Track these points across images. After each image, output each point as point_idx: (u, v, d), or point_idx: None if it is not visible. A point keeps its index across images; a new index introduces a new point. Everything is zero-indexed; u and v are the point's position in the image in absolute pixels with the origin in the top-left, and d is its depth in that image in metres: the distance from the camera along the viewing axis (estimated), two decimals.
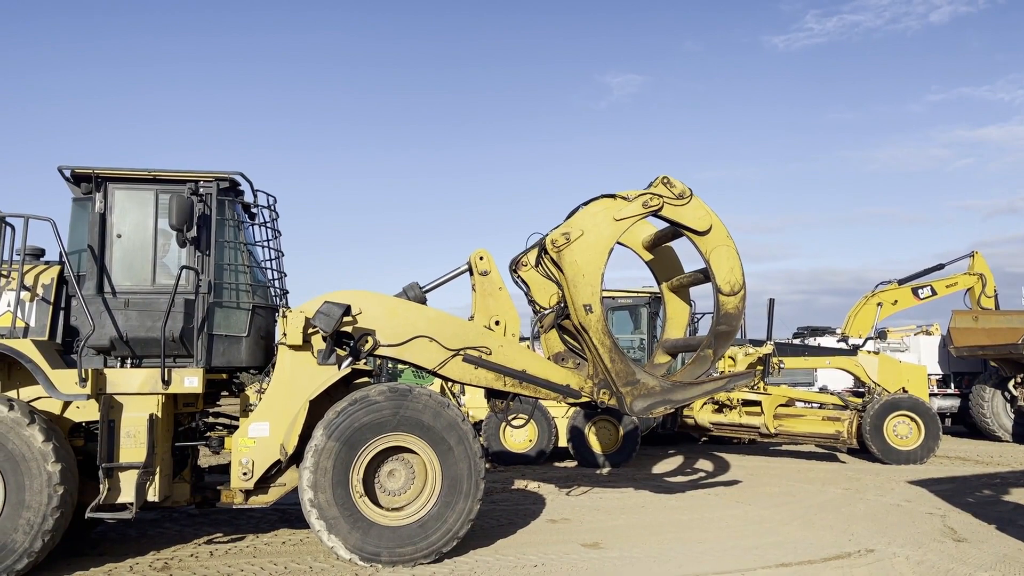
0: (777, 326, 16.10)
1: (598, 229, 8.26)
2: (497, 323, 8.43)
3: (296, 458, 7.47)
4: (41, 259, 7.76)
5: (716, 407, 15.74)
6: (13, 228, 7.44)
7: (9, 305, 7.22)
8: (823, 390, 18.45)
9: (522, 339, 8.76)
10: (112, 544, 8.23)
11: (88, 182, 7.52)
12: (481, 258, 8.56)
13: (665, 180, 8.30)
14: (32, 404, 7.03)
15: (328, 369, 7.68)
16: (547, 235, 8.39)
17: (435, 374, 8.13)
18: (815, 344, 20.48)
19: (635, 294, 16.43)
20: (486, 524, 9.06)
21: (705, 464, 14.91)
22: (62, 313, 7.47)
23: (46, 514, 6.62)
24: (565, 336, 8.76)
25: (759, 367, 15.17)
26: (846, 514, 9.66)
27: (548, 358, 8.72)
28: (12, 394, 7.16)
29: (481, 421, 14.81)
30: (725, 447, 17.61)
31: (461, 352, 8.03)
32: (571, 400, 8.56)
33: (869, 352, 16.88)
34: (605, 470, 14.06)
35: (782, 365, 15.29)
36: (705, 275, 8.72)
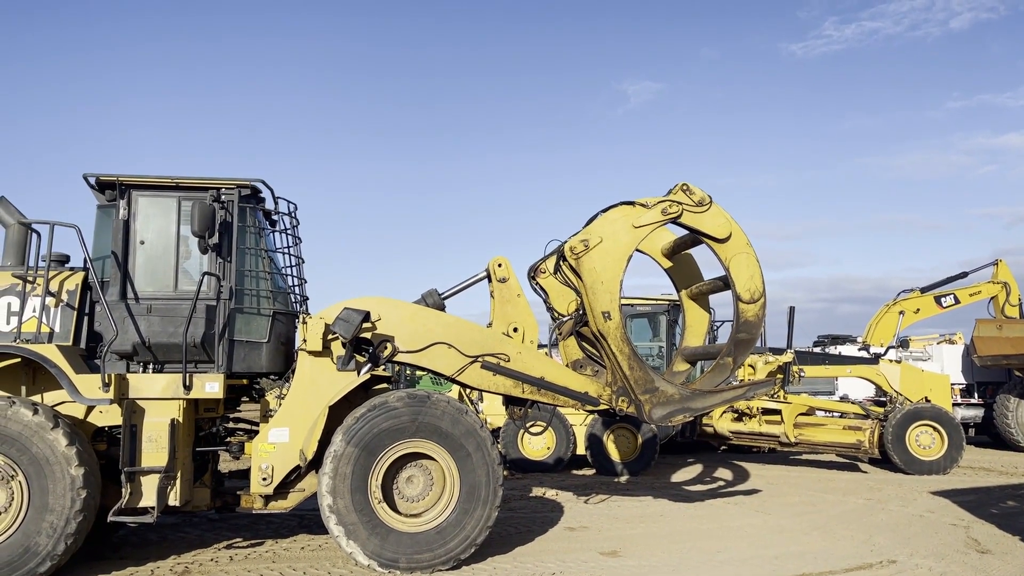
0: (797, 334, 16.03)
1: (617, 236, 8.25)
2: (515, 330, 8.43)
3: (315, 464, 7.51)
4: (66, 265, 7.87)
5: (736, 416, 15.64)
6: (39, 235, 7.55)
7: (34, 311, 7.33)
8: (844, 399, 18.26)
9: (540, 346, 8.74)
10: (133, 548, 8.30)
11: (112, 189, 7.61)
12: (500, 265, 8.57)
13: (684, 187, 8.27)
14: (56, 408, 7.12)
15: (347, 375, 7.71)
16: (566, 242, 8.39)
17: (453, 380, 8.15)
18: (836, 353, 20.32)
19: (654, 302, 16.37)
20: (504, 531, 9.05)
21: (724, 473, 14.81)
22: (86, 319, 7.57)
23: (69, 517, 6.69)
24: (584, 343, 8.74)
25: (779, 375, 15.05)
26: (867, 524, 9.56)
27: (566, 365, 8.70)
28: (36, 398, 7.25)
29: (499, 428, 14.82)
30: (744, 456, 17.48)
31: (479, 359, 8.03)
32: (590, 408, 8.54)
33: (891, 361, 16.73)
34: (623, 478, 14.00)
35: (802, 373, 15.16)
36: (725, 283, 8.68)
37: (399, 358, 7.98)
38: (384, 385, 8.32)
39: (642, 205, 8.31)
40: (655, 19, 75.53)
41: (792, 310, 16.30)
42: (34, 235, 7.61)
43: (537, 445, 14.74)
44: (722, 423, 15.75)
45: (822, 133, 78.80)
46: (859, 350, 19.72)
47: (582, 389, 8.33)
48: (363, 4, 72.85)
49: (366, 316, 7.61)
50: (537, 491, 12.20)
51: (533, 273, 8.84)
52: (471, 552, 7.39)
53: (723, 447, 18.20)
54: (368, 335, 7.84)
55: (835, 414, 16.05)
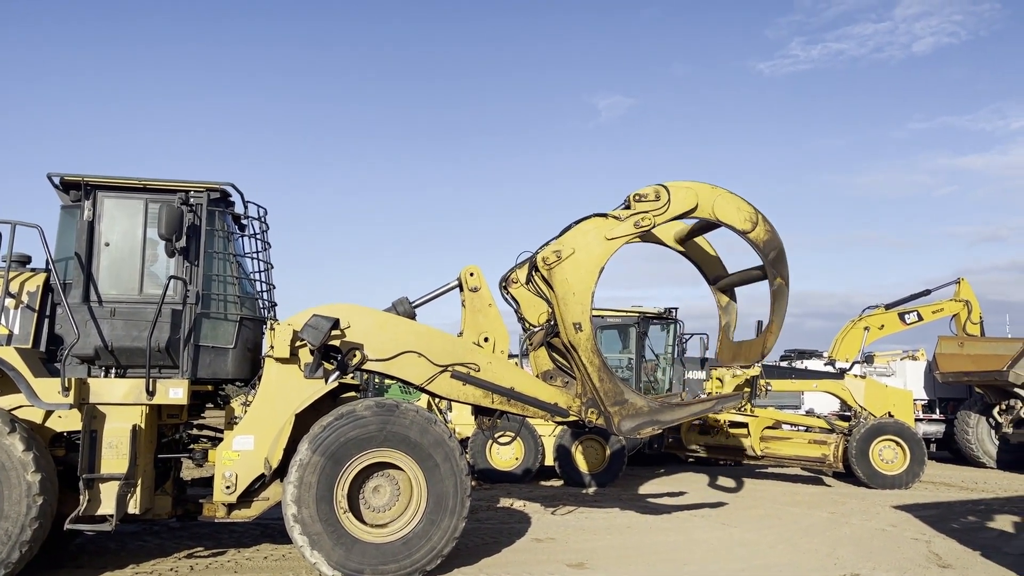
0: None
1: (589, 248, 8.26)
2: (486, 340, 8.38)
3: (280, 472, 7.39)
4: (27, 266, 7.68)
5: (703, 428, 15.73)
6: (0, 235, 7.36)
7: None
8: (810, 413, 18.48)
9: (511, 356, 8.71)
10: (91, 556, 8.11)
11: (77, 189, 7.46)
12: (471, 274, 8.53)
13: (637, 197, 8.31)
14: (13, 413, 6.93)
15: (315, 383, 7.61)
16: (538, 252, 8.38)
17: (423, 390, 8.07)
18: (802, 367, 20.54)
19: (624, 313, 16.44)
20: (471, 542, 8.98)
21: (691, 485, 14.88)
22: (47, 321, 7.39)
23: (24, 524, 6.51)
24: (554, 354, 8.73)
25: (747, 389, 15.18)
26: (831, 538, 9.64)
27: (537, 376, 8.68)
28: None
29: (468, 438, 14.74)
30: (711, 468, 17.59)
31: (449, 368, 7.98)
32: (559, 419, 8.52)
33: (856, 376, 16.93)
34: (591, 489, 14.01)
35: (769, 387, 15.31)
36: (759, 273, 8.92)
37: (368, 366, 7.90)
38: (352, 394, 8.23)
39: (615, 217, 8.33)
40: (626, 35, 76.27)
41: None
42: None
43: (506, 455, 14.69)
44: (690, 436, 15.85)
45: (789, 150, 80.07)
46: (825, 365, 19.96)
47: (552, 400, 8.31)
48: (337, 6, 72.56)
49: (335, 323, 7.53)
50: (505, 502, 12.16)
51: (505, 283, 8.81)
52: (437, 563, 7.32)
53: (690, 459, 18.29)
54: (337, 343, 7.75)
55: (801, 428, 16.21)
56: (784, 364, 21.69)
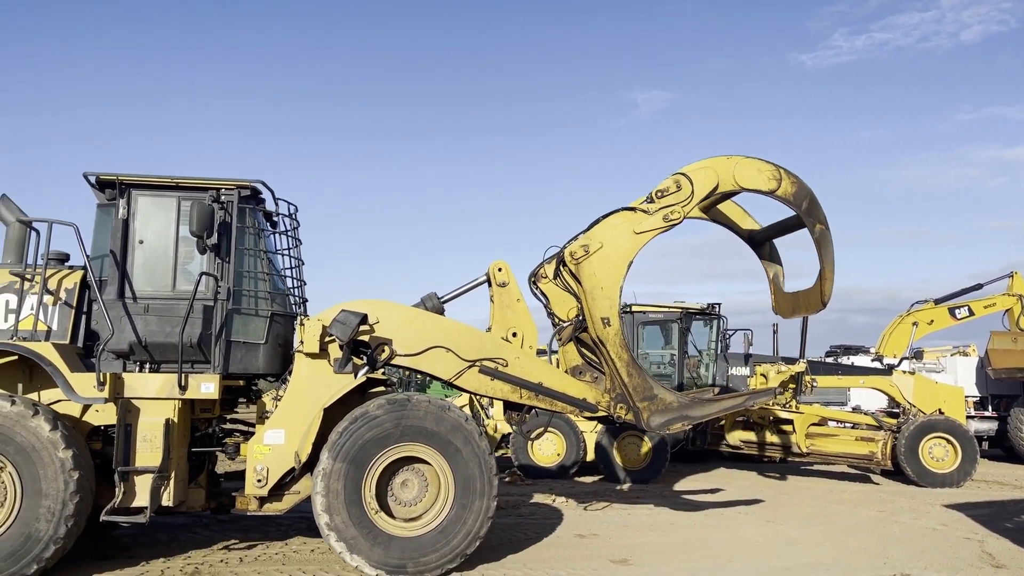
0: (808, 344, 15.79)
1: (617, 242, 8.17)
2: (515, 335, 8.36)
3: (310, 466, 7.46)
4: (66, 264, 7.88)
5: (746, 424, 15.46)
6: (39, 233, 7.56)
7: (32, 308, 7.33)
8: (856, 410, 18.03)
9: (540, 352, 8.66)
10: (144, 548, 8.27)
11: (112, 188, 7.62)
12: (500, 269, 8.51)
13: (658, 194, 8.20)
14: (53, 407, 7.12)
15: (344, 377, 7.66)
16: (565, 247, 8.32)
17: (451, 384, 8.08)
18: (848, 363, 20.07)
19: (667, 309, 16.25)
20: (514, 537, 8.98)
21: (735, 482, 14.63)
22: (84, 317, 7.57)
23: (65, 500, 6.71)
24: (583, 349, 8.65)
25: (791, 385, 14.90)
26: (880, 537, 9.39)
27: (566, 371, 8.62)
28: (34, 396, 7.25)
29: (509, 434, 14.69)
30: (756, 465, 17.23)
31: (477, 363, 7.97)
32: (588, 414, 8.45)
33: (904, 372, 16.50)
34: (633, 486, 13.82)
35: (815, 384, 14.99)
36: (794, 222, 8.71)
37: (397, 361, 7.94)
38: (381, 388, 8.27)
39: (643, 211, 8.22)
40: (665, 28, 75.36)
41: (805, 320, 16.17)
42: (34, 233, 7.62)
43: (547, 451, 14.62)
44: (733, 432, 15.58)
45: (831, 144, 78.25)
46: (872, 361, 19.45)
47: (580, 395, 8.24)
48: (372, 6, 73.16)
49: (363, 318, 7.56)
50: (546, 498, 12.08)
51: (534, 278, 8.75)
52: (476, 545, 7.33)
53: (734, 456, 17.98)
54: (366, 338, 7.80)
55: (847, 425, 15.83)
56: (830, 360, 21.22)
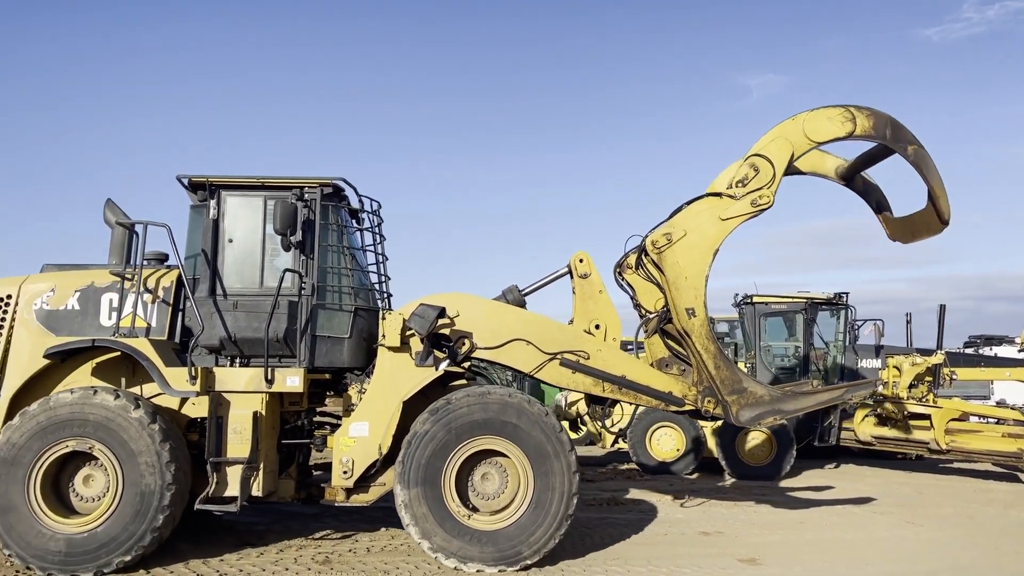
0: (944, 335, 14.81)
1: (702, 229, 7.88)
2: (597, 327, 8.21)
3: (391, 458, 7.55)
4: (164, 263, 8.26)
5: (879, 419, 14.65)
6: (137, 235, 7.95)
7: (132, 307, 7.72)
8: (1001, 404, 16.76)
9: (626, 344, 8.47)
10: (276, 535, 8.56)
11: (203, 189, 7.93)
12: (581, 260, 8.37)
13: (739, 183, 7.87)
14: (153, 400, 7.48)
15: (424, 371, 7.71)
16: (648, 236, 8.09)
17: (531, 377, 8.01)
18: (991, 354, 18.77)
19: (791, 299, 15.61)
20: (637, 533, 8.84)
21: (866, 480, 13.87)
22: (180, 314, 7.92)
23: (161, 490, 7.01)
24: (669, 341, 8.40)
25: (928, 378, 14.02)
26: None
27: (651, 364, 8.39)
28: (136, 390, 7.63)
29: (625, 428, 14.46)
30: (889, 463, 16.19)
31: (558, 356, 7.86)
32: (674, 408, 8.19)
33: None
34: (757, 482, 13.30)
35: (954, 376, 14.06)
36: (881, 149, 8.33)
37: (477, 354, 7.92)
38: (461, 382, 8.29)
39: (730, 196, 7.89)
40: (777, 8, 72.46)
41: (942, 308, 15.12)
42: (134, 234, 8.01)
43: (666, 446, 14.22)
44: (864, 427, 14.77)
45: (964, 122, 73.09)
46: (1019, 351, 18.10)
47: (666, 388, 8.00)
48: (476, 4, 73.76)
49: (441, 312, 7.58)
50: (667, 494, 11.80)
51: (619, 269, 8.56)
52: (573, 504, 7.34)
53: (864, 453, 17.07)
54: (447, 331, 7.82)
55: (992, 420, 14.74)
56: (969, 351, 19.91)
